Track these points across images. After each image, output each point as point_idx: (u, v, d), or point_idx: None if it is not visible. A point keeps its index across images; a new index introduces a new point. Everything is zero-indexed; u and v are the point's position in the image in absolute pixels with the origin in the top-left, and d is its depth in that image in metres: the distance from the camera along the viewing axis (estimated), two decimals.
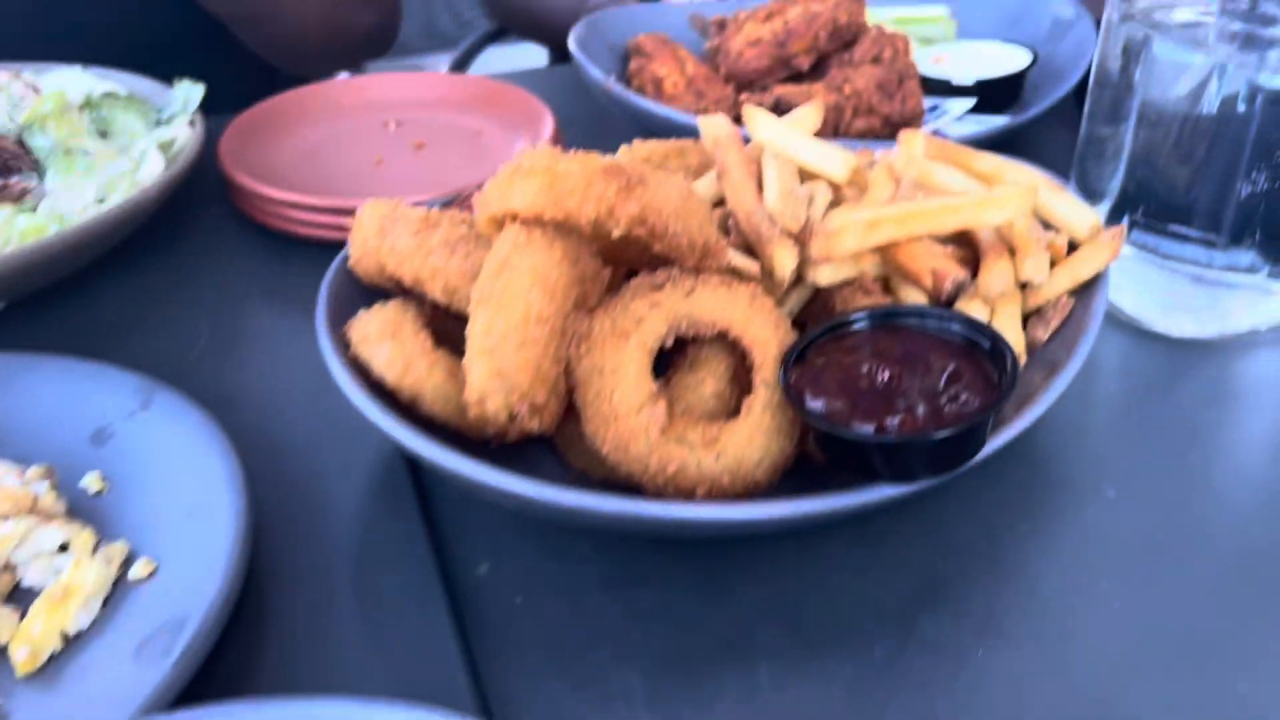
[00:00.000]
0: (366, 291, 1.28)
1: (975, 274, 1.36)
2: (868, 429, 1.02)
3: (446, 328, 1.25)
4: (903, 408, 1.04)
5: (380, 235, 1.21)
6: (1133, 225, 1.53)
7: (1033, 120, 1.84)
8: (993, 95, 1.98)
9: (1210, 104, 1.38)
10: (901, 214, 1.23)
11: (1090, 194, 1.64)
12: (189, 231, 1.78)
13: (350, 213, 1.64)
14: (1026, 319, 1.34)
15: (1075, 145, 1.83)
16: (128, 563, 1.09)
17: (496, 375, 1.04)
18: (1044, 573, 1.15)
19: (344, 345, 1.20)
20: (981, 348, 1.11)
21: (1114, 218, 1.55)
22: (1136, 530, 1.19)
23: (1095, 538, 1.19)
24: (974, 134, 1.77)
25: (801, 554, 1.15)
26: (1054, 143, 1.97)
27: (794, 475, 1.13)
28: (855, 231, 1.20)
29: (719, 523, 1.02)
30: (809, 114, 1.42)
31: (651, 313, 1.11)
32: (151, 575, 1.08)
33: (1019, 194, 1.29)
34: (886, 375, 1.07)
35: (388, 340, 1.16)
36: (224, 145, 1.78)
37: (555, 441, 1.21)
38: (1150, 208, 1.49)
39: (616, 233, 1.05)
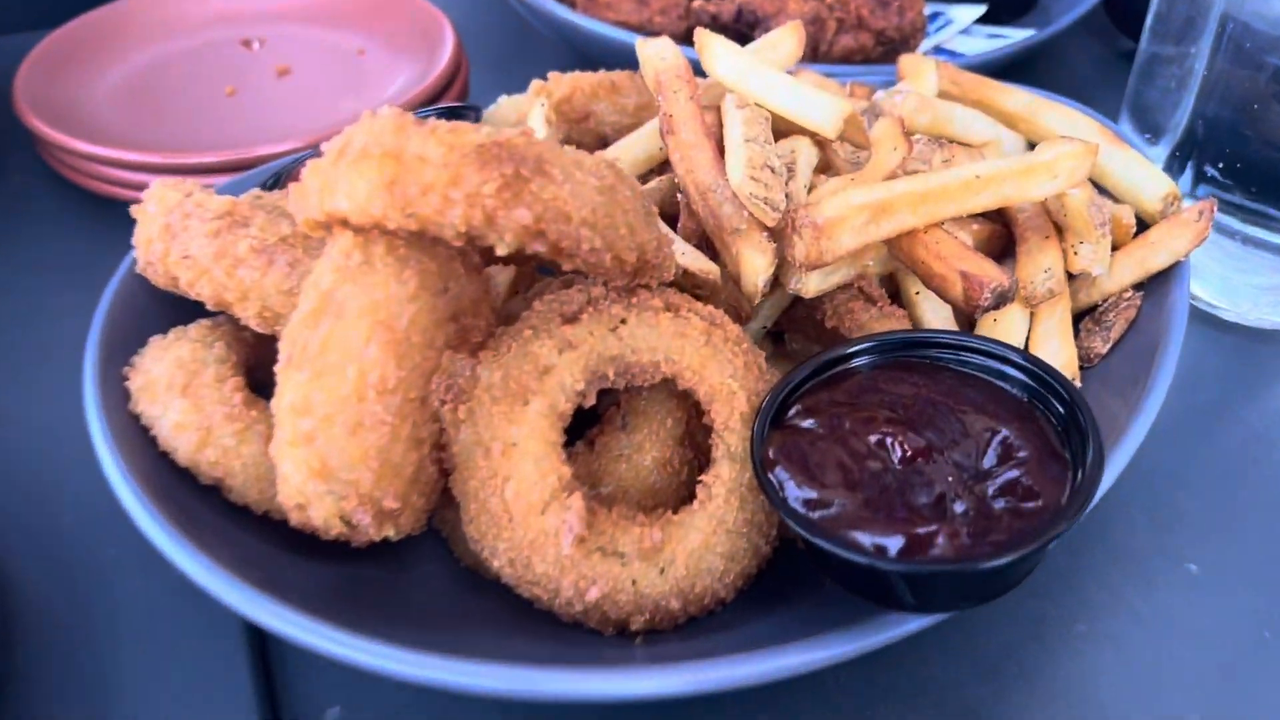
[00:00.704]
0: (171, 300, 0.90)
1: (1002, 250, 1.02)
2: (885, 542, 0.68)
3: (275, 354, 0.88)
4: (937, 509, 0.69)
5: (168, 235, 0.83)
6: (1198, 179, 1.17)
7: (1059, 34, 1.46)
8: (1005, 0, 1.60)
9: None
10: (919, 192, 0.86)
11: (1147, 129, 1.28)
12: None
13: (186, 170, 1.25)
14: (1078, 320, 1.00)
15: (1105, 62, 1.46)
16: None
17: (319, 472, 0.68)
18: (1108, 697, 0.83)
19: (125, 393, 0.84)
20: (1040, 397, 0.76)
21: (1174, 167, 1.20)
22: (1232, 624, 0.87)
23: (1175, 638, 0.87)
24: (992, 54, 1.39)
25: (793, 684, 0.81)
26: (1082, 61, 1.60)
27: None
28: (856, 223, 0.83)
29: (657, 698, 0.68)
30: (784, 41, 1.04)
31: (562, 359, 0.75)
32: None
33: (1074, 156, 0.92)
34: (908, 451, 0.73)
35: (177, 395, 0.79)
36: (21, 81, 1.36)
37: (435, 525, 0.86)
38: (1225, 159, 1.14)
39: (501, 249, 0.68)
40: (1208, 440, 1.04)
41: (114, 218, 1.29)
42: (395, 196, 0.66)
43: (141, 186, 1.25)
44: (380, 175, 0.66)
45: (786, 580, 0.81)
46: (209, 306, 0.83)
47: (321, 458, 0.67)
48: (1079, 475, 0.70)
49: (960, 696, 0.83)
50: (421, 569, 0.85)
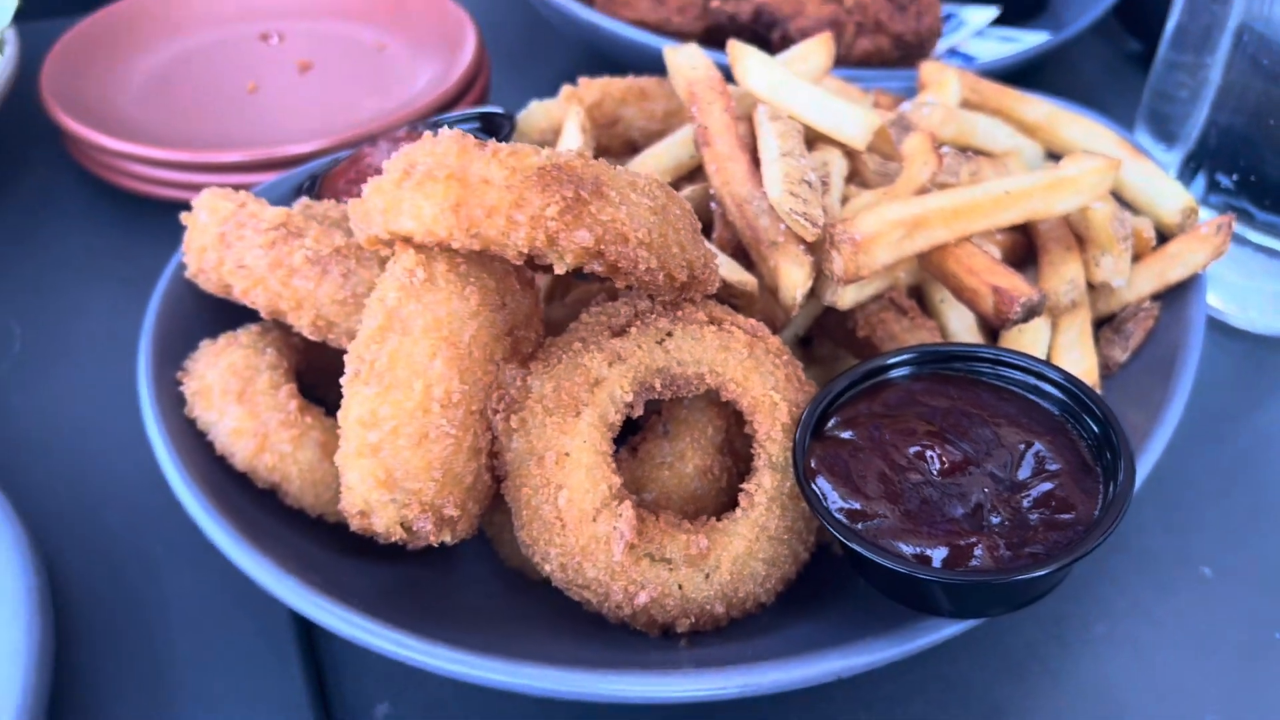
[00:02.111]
0: (215, 303, 0.92)
1: (1022, 258, 1.04)
2: (929, 552, 0.71)
3: (325, 358, 0.91)
4: (974, 520, 0.72)
5: (222, 245, 0.84)
6: (1211, 188, 1.20)
7: (1074, 37, 1.48)
8: (1017, 1, 1.62)
9: None
10: (951, 208, 0.89)
11: (1162, 137, 1.31)
12: (6, 190, 1.38)
13: (215, 169, 1.27)
14: (1097, 328, 1.03)
15: (1114, 64, 1.49)
16: None
17: (384, 483, 0.70)
18: (1128, 697, 0.86)
19: (178, 397, 0.86)
20: (1073, 413, 0.79)
21: (1186, 174, 1.23)
22: (1245, 626, 0.91)
23: (1190, 640, 0.90)
24: (1007, 59, 1.41)
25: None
26: (1092, 63, 1.63)
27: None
28: (891, 239, 0.86)
29: (710, 701, 0.71)
30: (815, 53, 1.06)
31: (612, 371, 0.77)
32: None
33: (1097, 171, 0.95)
34: (947, 463, 0.75)
35: (233, 401, 0.82)
36: (48, 74, 1.36)
37: (482, 528, 0.88)
38: (1238, 169, 1.17)
39: (560, 268, 0.71)
40: (1219, 445, 1.07)
41: (142, 213, 1.32)
42: (461, 218, 0.68)
43: (170, 183, 1.27)
44: (446, 197, 0.69)
45: (821, 584, 0.84)
46: (263, 315, 0.85)
47: (387, 468, 0.70)
48: (1111, 489, 0.73)
49: (987, 695, 0.86)
50: (468, 570, 0.87)
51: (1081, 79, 1.55)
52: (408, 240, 0.72)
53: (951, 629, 0.75)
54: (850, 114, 0.96)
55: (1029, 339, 0.97)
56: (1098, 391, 0.93)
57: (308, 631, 0.87)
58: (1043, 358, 0.87)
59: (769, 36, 1.49)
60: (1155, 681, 0.87)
